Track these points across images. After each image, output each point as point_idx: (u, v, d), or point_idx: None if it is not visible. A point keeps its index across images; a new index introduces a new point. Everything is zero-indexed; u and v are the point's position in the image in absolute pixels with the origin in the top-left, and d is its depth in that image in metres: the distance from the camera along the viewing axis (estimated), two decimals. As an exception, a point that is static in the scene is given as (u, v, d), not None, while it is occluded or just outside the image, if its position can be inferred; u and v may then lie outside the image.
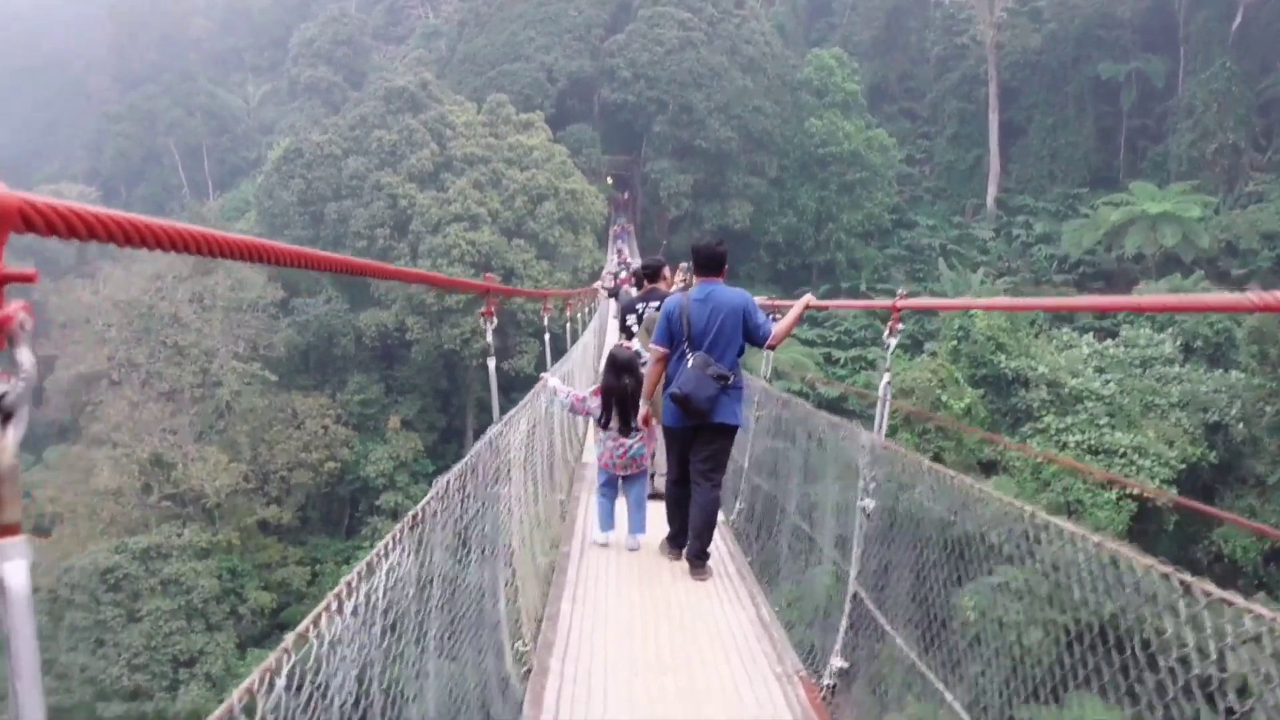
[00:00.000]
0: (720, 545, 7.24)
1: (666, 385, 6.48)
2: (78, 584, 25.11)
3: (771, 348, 6.32)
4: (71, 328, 35.70)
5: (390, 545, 2.64)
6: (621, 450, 7.23)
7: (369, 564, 2.46)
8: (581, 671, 4.86)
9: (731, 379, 6.12)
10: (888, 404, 4.93)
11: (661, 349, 6.37)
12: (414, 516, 2.96)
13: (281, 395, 34.65)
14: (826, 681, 4.87)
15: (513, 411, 5.61)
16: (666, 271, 9.35)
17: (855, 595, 4.95)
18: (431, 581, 3.29)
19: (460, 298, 37.03)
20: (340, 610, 2.16)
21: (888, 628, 4.58)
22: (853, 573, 4.97)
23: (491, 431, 4.73)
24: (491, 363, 5.24)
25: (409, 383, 37.99)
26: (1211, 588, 2.21)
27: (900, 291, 5.16)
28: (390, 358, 39.19)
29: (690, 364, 6.09)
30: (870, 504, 4.75)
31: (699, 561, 6.44)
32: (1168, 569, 2.35)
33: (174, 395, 32.75)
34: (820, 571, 6.73)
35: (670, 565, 6.61)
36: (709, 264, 6.31)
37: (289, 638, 1.84)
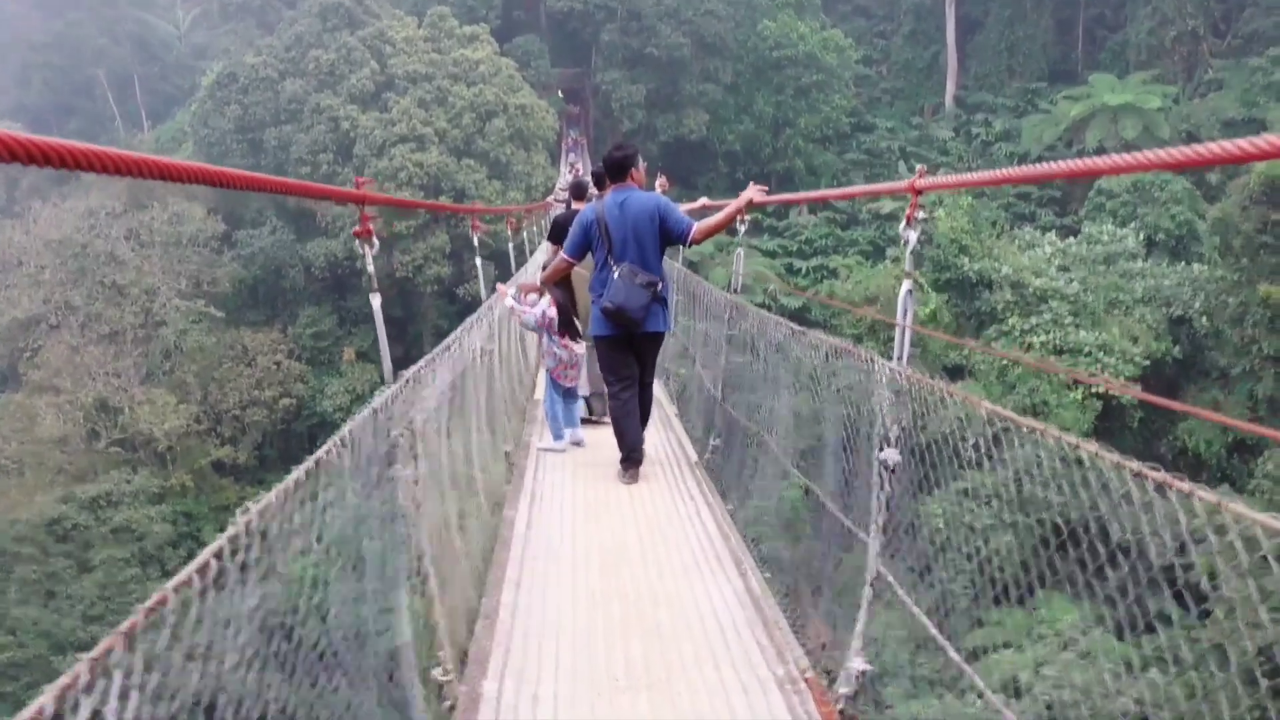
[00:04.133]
0: (695, 494, 6.54)
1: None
2: (25, 536, 24.36)
3: (695, 243, 6.10)
4: (3, 271, 34.18)
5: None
6: (575, 359, 7.62)
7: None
8: (526, 697, 3.75)
9: (660, 285, 6.08)
10: (910, 316, 3.76)
11: (570, 260, 6.46)
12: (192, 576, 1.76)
13: (230, 332, 33.54)
14: (843, 690, 3.70)
15: (424, 361, 4.36)
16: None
17: (878, 577, 3.79)
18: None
19: (411, 221, 35.80)
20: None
21: (923, 619, 3.53)
22: (873, 548, 3.76)
23: (377, 400, 3.43)
24: (376, 300, 4.14)
25: (362, 313, 36.91)
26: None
27: (920, 168, 4.00)
28: (341, 288, 38.01)
29: (618, 275, 6.00)
30: (893, 456, 3.55)
31: (633, 459, 6.65)
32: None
33: (116, 337, 31.55)
34: (785, 486, 6.24)
35: (640, 535, 5.66)
36: (618, 170, 6.18)
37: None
